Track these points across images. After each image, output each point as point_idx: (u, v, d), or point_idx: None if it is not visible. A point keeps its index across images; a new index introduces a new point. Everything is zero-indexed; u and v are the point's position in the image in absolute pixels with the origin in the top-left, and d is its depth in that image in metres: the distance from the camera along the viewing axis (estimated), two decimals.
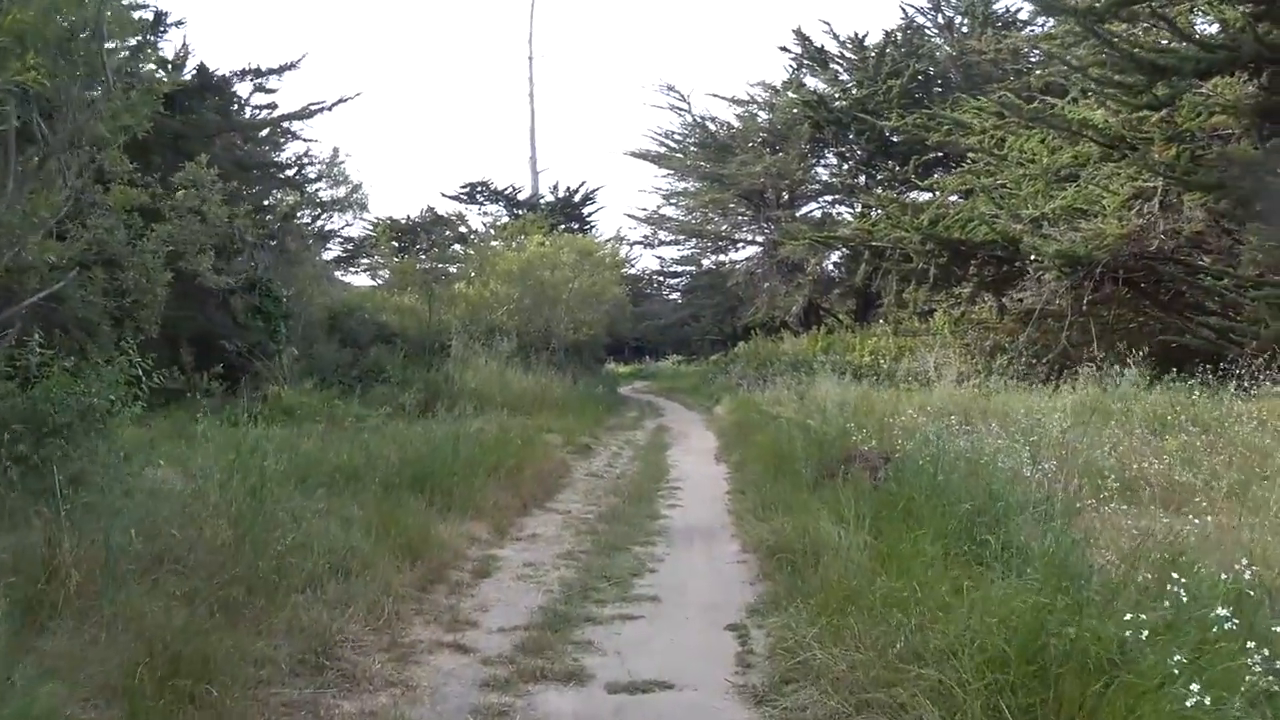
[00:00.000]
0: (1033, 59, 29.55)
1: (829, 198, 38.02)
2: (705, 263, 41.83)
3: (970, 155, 23.76)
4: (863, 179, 34.26)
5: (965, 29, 33.82)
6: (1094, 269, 17.19)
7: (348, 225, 29.68)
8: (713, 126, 37.15)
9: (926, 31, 34.50)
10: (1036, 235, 19.14)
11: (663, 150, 38.01)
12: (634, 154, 38.20)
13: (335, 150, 28.85)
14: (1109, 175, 19.37)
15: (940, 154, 29.47)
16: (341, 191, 27.49)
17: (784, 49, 35.28)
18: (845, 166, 35.88)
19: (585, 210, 43.22)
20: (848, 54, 34.84)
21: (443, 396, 16.60)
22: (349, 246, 32.00)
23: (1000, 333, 22.83)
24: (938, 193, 25.42)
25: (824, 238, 26.40)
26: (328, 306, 21.46)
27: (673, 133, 38.04)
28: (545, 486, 10.35)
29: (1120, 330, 20.78)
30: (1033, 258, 18.50)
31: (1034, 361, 20.43)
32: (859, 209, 34.29)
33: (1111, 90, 16.35)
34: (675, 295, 45.40)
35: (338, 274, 31.37)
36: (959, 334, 23.63)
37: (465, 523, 7.90)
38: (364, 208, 27.32)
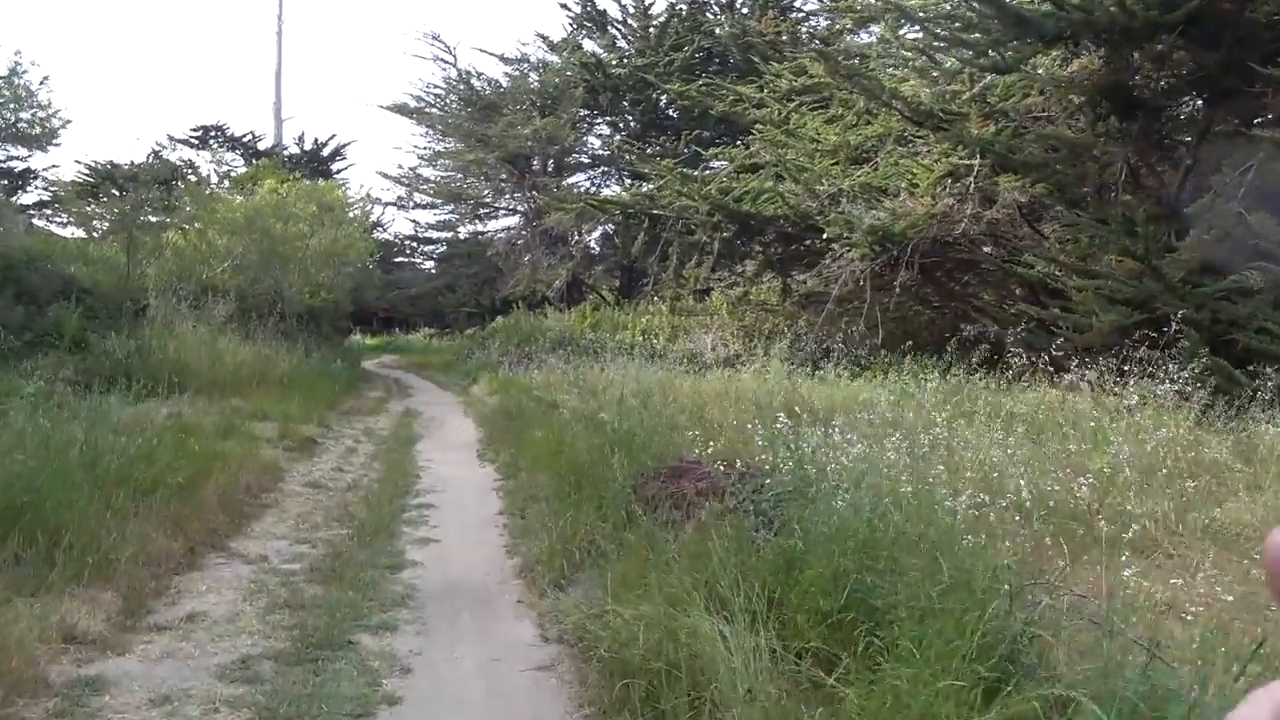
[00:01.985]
0: (812, 45, 28.34)
1: (597, 170, 35.55)
2: (463, 230, 38.25)
3: (758, 128, 21.73)
4: (633, 155, 32.05)
5: (746, 10, 32.19)
6: (906, 248, 15.26)
7: (54, 166, 24.43)
8: (479, 84, 33.61)
9: (710, 9, 32.58)
10: (835, 211, 17.19)
11: (422, 105, 34.06)
12: (391, 107, 34.03)
13: (16, 58, 23.39)
14: (921, 152, 17.69)
15: (716, 133, 27.58)
16: (26, 115, 22.30)
17: (564, 6, 32.35)
18: (617, 138, 33.45)
19: (335, 167, 38.69)
20: (630, 20, 32.35)
21: (131, 371, 13.05)
22: (54, 190, 26.61)
23: (780, 315, 21.05)
24: (724, 164, 23.37)
25: (602, 203, 23.61)
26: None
27: (435, 86, 34.22)
28: (236, 510, 6.86)
29: (910, 318, 19.37)
30: (840, 234, 16.46)
31: (816, 346, 19.09)
32: (630, 183, 32.02)
33: (954, 49, 14.36)
34: (430, 264, 41.44)
35: (40, 223, 25.87)
36: (737, 314, 21.63)
37: (71, 598, 4.50)
38: (51, 138, 22.34)
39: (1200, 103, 13.36)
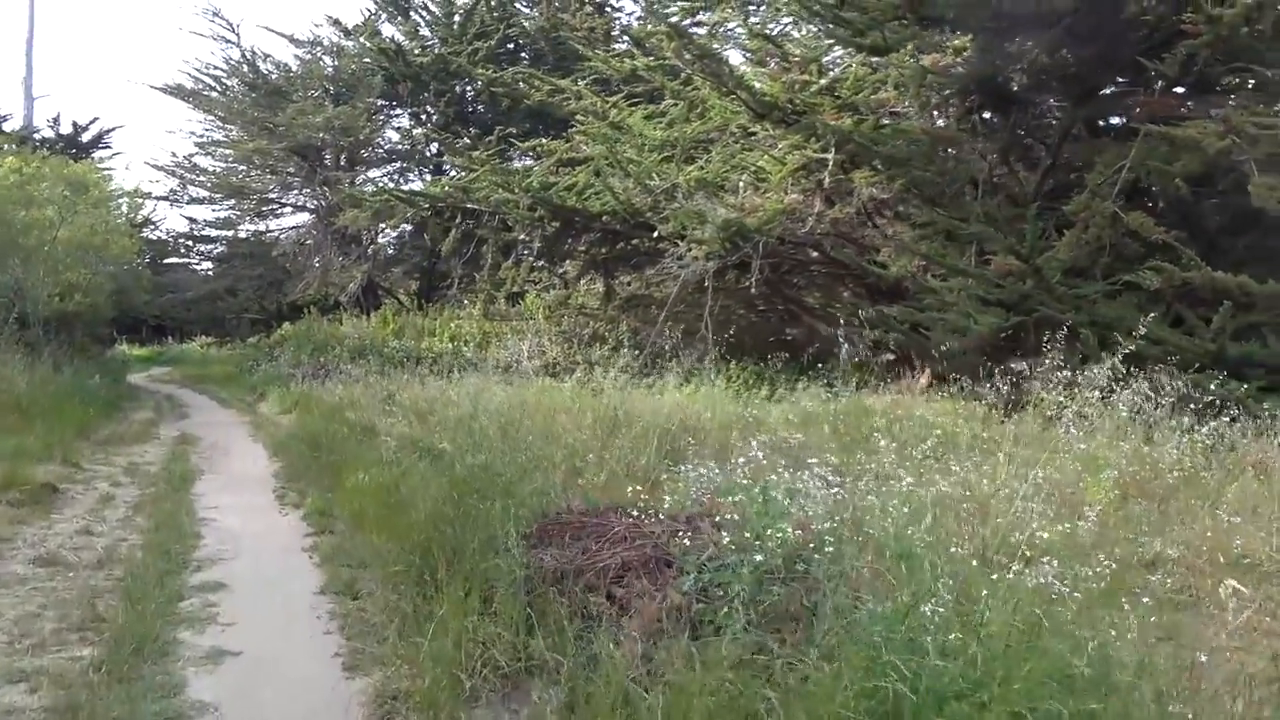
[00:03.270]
0: (622, 42, 26.90)
1: (395, 165, 32.72)
2: (246, 229, 34.38)
3: (579, 119, 19.88)
4: (442, 146, 29.58)
5: (558, 3, 30.32)
6: (757, 246, 13.77)
7: None
8: (265, 67, 30.19)
9: (517, 3, 30.50)
10: (672, 207, 15.58)
11: (201, 88, 30.21)
12: (164, 89, 29.98)
13: None
14: (756, 149, 16.34)
15: (526, 127, 25.46)
16: None
17: None
18: (418, 131, 30.83)
19: (97, 155, 33.96)
20: (433, 6, 29.86)
21: None
22: None
23: (602, 320, 19.35)
24: (538, 160, 21.37)
25: (409, 196, 21.06)
26: None
27: (215, 68, 30.47)
28: None
29: (754, 323, 18.08)
30: (683, 231, 14.84)
31: (642, 352, 17.65)
32: (431, 178, 29.49)
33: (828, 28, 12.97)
34: (208, 265, 37.13)
35: None
36: (555, 319, 19.75)
37: None
38: None
39: (1063, 100, 12.48)
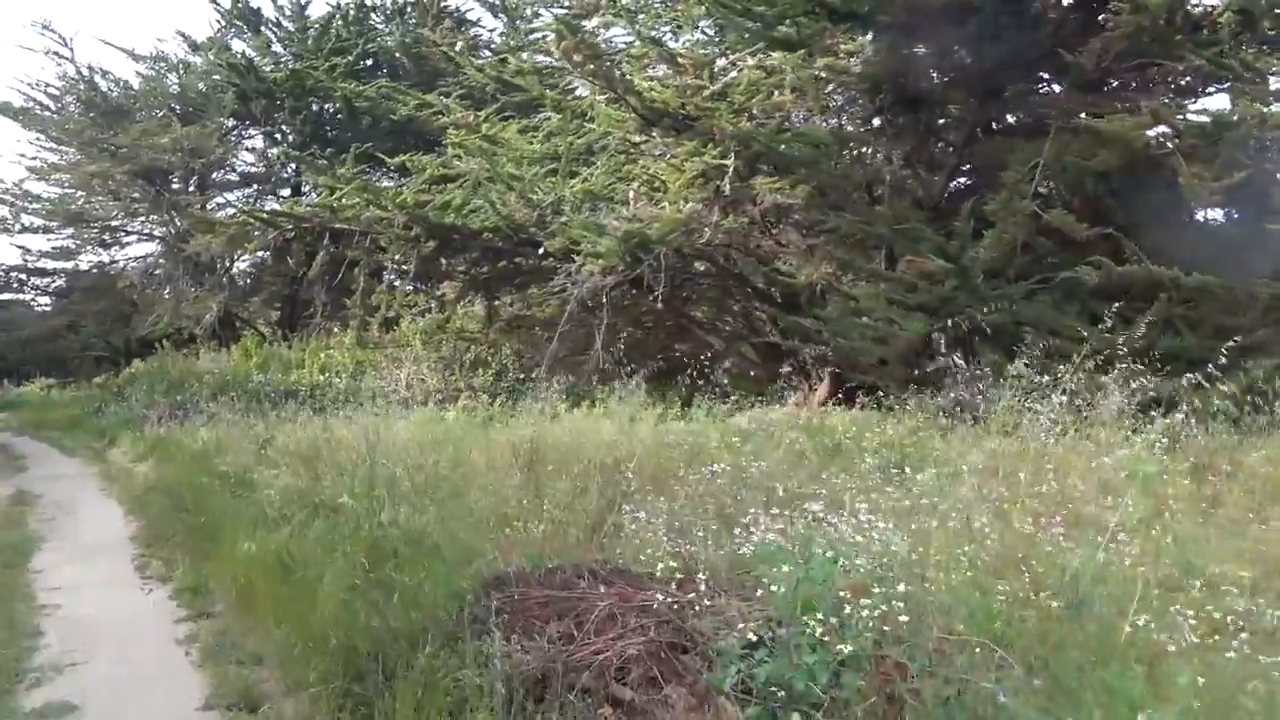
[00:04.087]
0: (486, 54, 25.82)
1: (250, 188, 30.60)
2: (86, 259, 31.51)
3: (451, 133, 18.56)
4: (293, 168, 27.74)
5: (414, 20, 28.96)
6: (658, 258, 12.82)
7: None
8: (104, 84, 27.72)
9: (373, 17, 28.96)
10: (563, 221, 14.53)
11: (31, 106, 27.53)
12: None
13: None
14: (639, 158, 15.48)
15: (388, 145, 23.90)
16: None
17: (213, 1, 27.47)
18: (273, 151, 28.89)
19: None
20: (285, 21, 28.07)
21: None
22: None
23: (483, 343, 18.14)
24: (405, 177, 19.96)
25: (271, 217, 19.28)
26: None
27: (47, 85, 27.82)
28: None
29: (628, 339, 17.09)
30: (573, 245, 13.78)
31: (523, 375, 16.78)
32: (289, 200, 27.59)
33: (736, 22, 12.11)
34: (45, 300, 33.92)
35: None
36: (433, 345, 18.39)
37: None
38: None
39: (971, 98, 11.99)
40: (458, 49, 23.11)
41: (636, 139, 15.45)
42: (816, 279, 12.72)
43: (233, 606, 5.45)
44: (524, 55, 20.24)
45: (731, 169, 12.84)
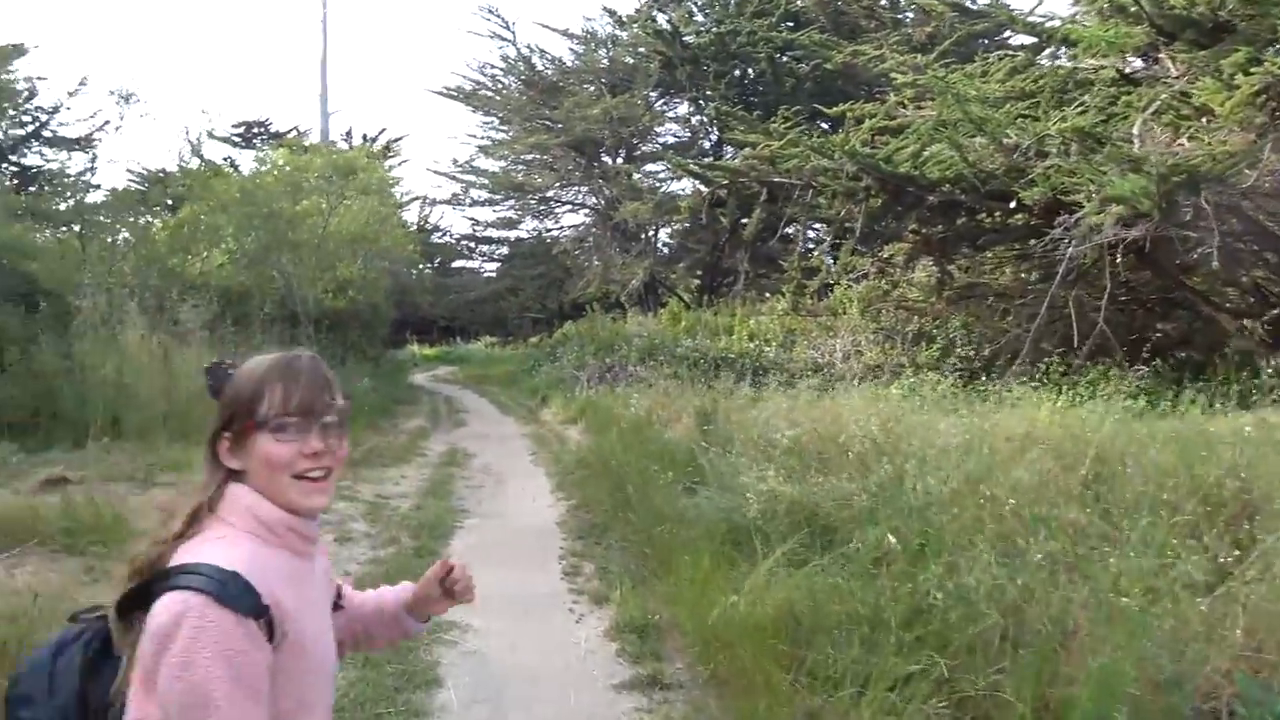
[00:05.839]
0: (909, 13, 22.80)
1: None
2: (526, 228, 32.84)
3: (898, 77, 15.89)
4: (715, 136, 26.46)
5: None
6: (1208, 202, 9.36)
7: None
8: (540, 63, 28.21)
9: None
10: (1043, 166, 11.39)
11: (478, 88, 28.62)
12: (444, 92, 28.69)
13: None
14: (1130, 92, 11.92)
15: (811, 105, 21.70)
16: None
17: None
18: (696, 119, 27.86)
19: (388, 163, 33.37)
20: None
21: (59, 397, 8.92)
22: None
23: (927, 314, 15.28)
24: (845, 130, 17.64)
25: (707, 169, 17.85)
26: None
27: (491, 67, 28.83)
28: None
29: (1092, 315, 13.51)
30: (1070, 192, 10.66)
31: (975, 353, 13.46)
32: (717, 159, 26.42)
33: None
34: (491, 266, 35.91)
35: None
36: (871, 315, 15.84)
37: None
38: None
39: None
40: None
41: (1137, 63, 12.01)
42: None
43: (702, 682, 3.40)
44: None
45: None
